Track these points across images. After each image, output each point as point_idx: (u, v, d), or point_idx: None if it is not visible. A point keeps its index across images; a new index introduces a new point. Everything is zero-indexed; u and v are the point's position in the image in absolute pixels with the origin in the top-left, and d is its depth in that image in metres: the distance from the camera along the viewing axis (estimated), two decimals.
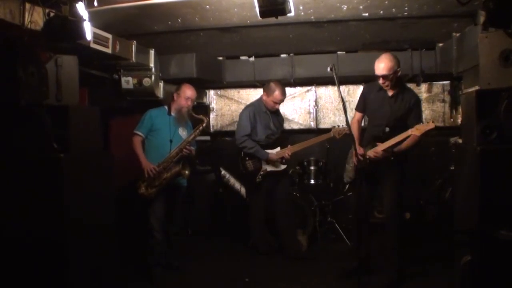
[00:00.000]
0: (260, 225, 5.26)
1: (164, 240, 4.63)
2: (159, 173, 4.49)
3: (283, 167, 5.15)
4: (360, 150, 4.22)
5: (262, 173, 5.05)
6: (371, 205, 4.80)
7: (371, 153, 4.17)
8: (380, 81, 4.18)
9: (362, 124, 4.68)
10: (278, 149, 5.15)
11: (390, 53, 4.23)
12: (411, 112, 4.18)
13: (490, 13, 3.07)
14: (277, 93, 5.03)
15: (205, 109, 6.96)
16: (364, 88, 4.57)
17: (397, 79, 4.19)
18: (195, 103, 4.85)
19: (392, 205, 4.22)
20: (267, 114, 5.15)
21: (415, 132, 3.98)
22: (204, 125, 4.64)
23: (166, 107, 4.78)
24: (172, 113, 4.72)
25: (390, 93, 4.25)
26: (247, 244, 5.41)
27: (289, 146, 5.20)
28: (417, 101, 4.27)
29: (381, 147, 4.14)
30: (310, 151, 5.29)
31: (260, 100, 5.24)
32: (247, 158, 5.10)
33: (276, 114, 5.28)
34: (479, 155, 3.25)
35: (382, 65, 4.11)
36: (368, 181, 4.27)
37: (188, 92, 4.70)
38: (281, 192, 5.23)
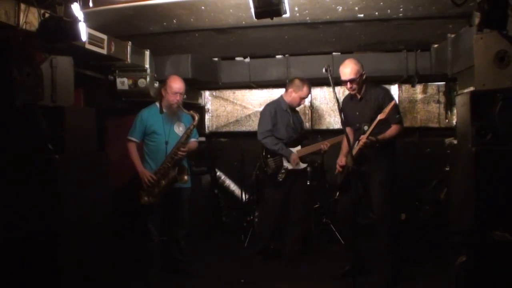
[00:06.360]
0: (273, 224, 5.23)
1: (169, 243, 4.63)
2: (157, 180, 4.34)
3: (303, 166, 5.11)
4: (341, 162, 4.35)
5: (283, 171, 5.01)
6: (366, 205, 4.79)
7: (358, 145, 4.13)
8: (348, 85, 4.22)
9: None
10: (299, 147, 5.10)
11: (353, 58, 4.29)
12: (383, 105, 4.12)
13: (485, 14, 3.08)
14: (305, 89, 5.06)
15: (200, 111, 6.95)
16: (341, 103, 4.47)
17: (363, 82, 4.24)
18: (185, 96, 4.60)
19: (382, 206, 4.20)
20: (287, 113, 5.13)
21: (381, 116, 3.94)
22: (195, 123, 4.43)
23: (157, 104, 4.56)
24: (164, 110, 4.50)
25: (358, 96, 4.30)
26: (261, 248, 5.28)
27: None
28: (386, 94, 4.28)
29: (363, 137, 4.08)
30: None
31: (281, 98, 5.22)
32: (268, 156, 5.05)
33: (295, 113, 5.28)
34: (474, 156, 3.27)
35: (348, 70, 4.16)
36: (358, 183, 4.27)
37: (174, 86, 4.43)
38: (298, 192, 5.16)
